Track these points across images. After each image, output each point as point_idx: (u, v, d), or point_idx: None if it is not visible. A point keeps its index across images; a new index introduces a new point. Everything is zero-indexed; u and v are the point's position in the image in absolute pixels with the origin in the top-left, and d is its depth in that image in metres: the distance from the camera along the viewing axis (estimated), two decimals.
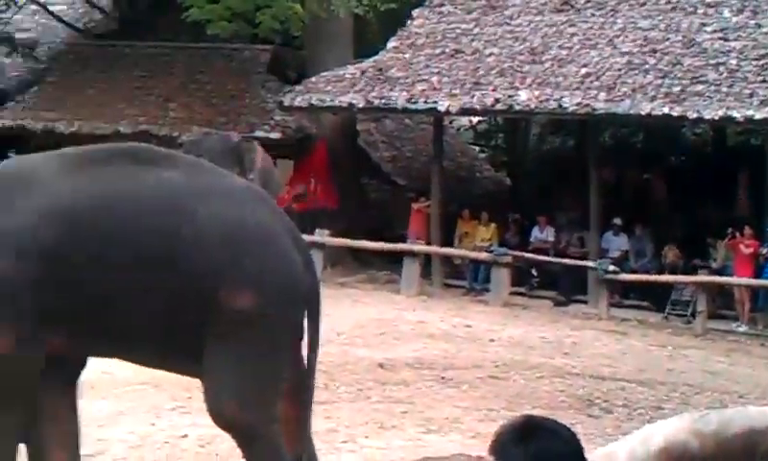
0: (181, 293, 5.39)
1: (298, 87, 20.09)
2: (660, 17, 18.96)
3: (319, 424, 6.09)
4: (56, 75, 23.79)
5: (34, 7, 26.18)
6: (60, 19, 26.04)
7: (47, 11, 26.02)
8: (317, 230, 18.87)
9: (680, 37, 18.36)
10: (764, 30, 18.05)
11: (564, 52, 18.71)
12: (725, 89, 16.85)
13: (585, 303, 17.75)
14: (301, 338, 5.81)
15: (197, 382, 5.72)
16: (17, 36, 25.15)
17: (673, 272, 17.68)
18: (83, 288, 5.40)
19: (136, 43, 23.44)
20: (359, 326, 13.96)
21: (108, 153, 5.75)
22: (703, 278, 16.99)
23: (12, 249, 5.38)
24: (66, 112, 22.21)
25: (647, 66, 17.79)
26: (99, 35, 25.41)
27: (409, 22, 20.72)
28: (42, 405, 5.74)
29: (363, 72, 19.62)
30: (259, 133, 20.27)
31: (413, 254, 18.39)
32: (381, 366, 11.43)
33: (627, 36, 18.71)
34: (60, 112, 22.26)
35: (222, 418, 5.57)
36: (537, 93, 17.69)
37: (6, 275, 5.38)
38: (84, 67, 23.48)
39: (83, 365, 6.00)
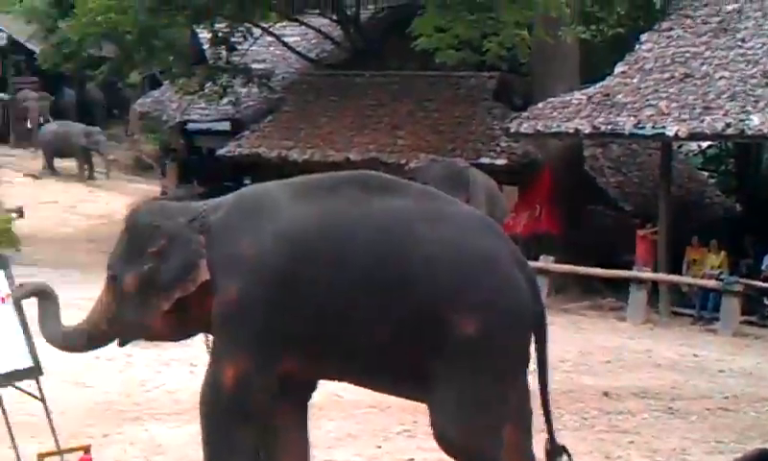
0: (410, 318, 5.51)
1: (524, 114, 20.13)
2: None
3: (541, 451, 6.12)
4: (289, 104, 24.58)
5: (269, 39, 27.15)
6: (293, 50, 26.92)
7: (282, 42, 26.94)
8: (542, 257, 18.83)
9: None
10: None
11: None
12: None
13: None
14: (528, 365, 5.85)
15: (423, 407, 5.84)
16: (254, 66, 26.13)
17: None
18: (314, 313, 5.60)
19: (366, 73, 23.98)
20: (584, 353, 13.86)
21: (338, 181, 5.95)
22: None
23: (247, 273, 5.64)
24: (299, 141, 22.93)
25: None
26: (330, 64, 26.13)
27: (637, 47, 20.45)
28: (274, 426, 5.98)
29: (589, 98, 19.48)
30: (485, 160, 20.43)
31: (640, 281, 18.10)
32: (606, 395, 11.33)
33: None
34: (294, 141, 23.00)
35: (449, 443, 5.64)
36: None
37: (242, 298, 5.65)
38: (316, 97, 24.19)
39: (313, 387, 6.22)
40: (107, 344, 6.52)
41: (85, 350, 6.74)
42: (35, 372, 7.18)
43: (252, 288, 5.64)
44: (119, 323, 6.22)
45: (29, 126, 35.75)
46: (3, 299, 7.08)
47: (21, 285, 6.97)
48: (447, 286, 5.51)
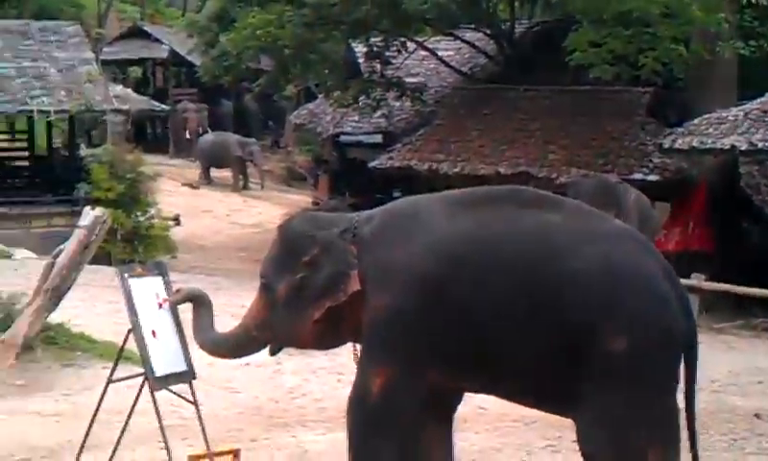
0: (559, 333, 5.51)
1: (678, 130, 19.79)
2: None
3: None
4: (441, 118, 24.69)
5: (423, 53, 27.32)
6: (447, 64, 27.04)
7: (435, 56, 27.09)
8: (693, 274, 18.47)
9: None
10: None
11: None
12: None
13: None
14: (677, 383, 5.78)
15: (568, 422, 5.82)
16: (407, 80, 26.33)
17: None
18: (463, 325, 5.64)
19: (518, 87, 23.93)
20: (734, 373, 13.55)
21: (491, 195, 5.98)
22: None
23: (398, 284, 5.72)
24: (450, 154, 23.00)
25: None
26: (483, 79, 26.16)
27: None
28: (419, 437, 6.04)
29: (746, 114, 19.06)
30: (638, 176, 20.16)
31: None
32: (758, 416, 11.05)
33: None
34: (445, 154, 23.08)
35: None
36: None
37: (391, 309, 5.72)
38: (468, 110, 24.24)
39: (459, 400, 6.25)
40: (257, 351, 6.65)
41: (236, 356, 6.91)
42: (188, 376, 7.38)
43: (401, 299, 5.71)
44: (270, 330, 6.33)
45: (188, 136, 36.75)
46: (161, 304, 7.30)
47: (178, 291, 7.19)
48: (597, 302, 5.49)
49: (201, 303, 6.83)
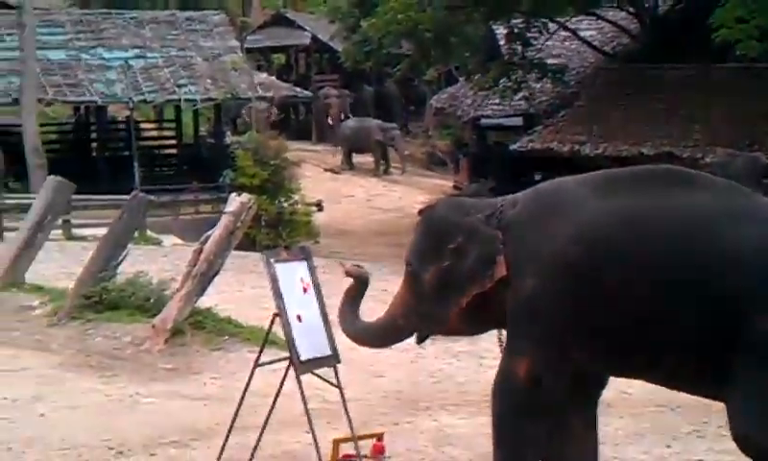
0: (710, 315, 5.41)
1: None
2: None
3: None
4: (583, 99, 24.43)
5: (564, 33, 27.07)
6: (589, 44, 26.74)
7: (577, 36, 26.81)
8: None
9: None
10: None
11: None
12: None
13: None
14: None
15: (715, 406, 5.72)
16: (548, 62, 26.12)
17: None
18: (611, 308, 5.58)
19: (662, 65, 23.52)
20: None
21: (639, 175, 5.89)
22: None
23: (545, 268, 5.68)
24: (591, 135, 22.77)
25: None
26: (625, 58, 25.78)
27: None
28: (563, 422, 6.01)
29: None
30: None
31: None
32: None
33: None
34: (586, 135, 22.85)
35: (749, 444, 5.50)
36: None
37: (538, 293, 5.70)
38: (610, 91, 23.93)
39: (603, 384, 6.20)
40: (403, 339, 6.65)
41: (381, 346, 6.94)
42: (333, 360, 7.48)
43: (548, 283, 5.68)
44: (417, 317, 6.32)
45: (330, 122, 37.09)
46: (305, 288, 7.40)
47: (357, 266, 7.20)
48: (749, 282, 5.38)
49: (358, 290, 6.86)
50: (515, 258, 5.82)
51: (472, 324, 6.20)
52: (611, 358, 5.79)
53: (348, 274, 6.92)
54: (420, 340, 6.58)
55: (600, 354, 5.76)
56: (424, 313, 6.24)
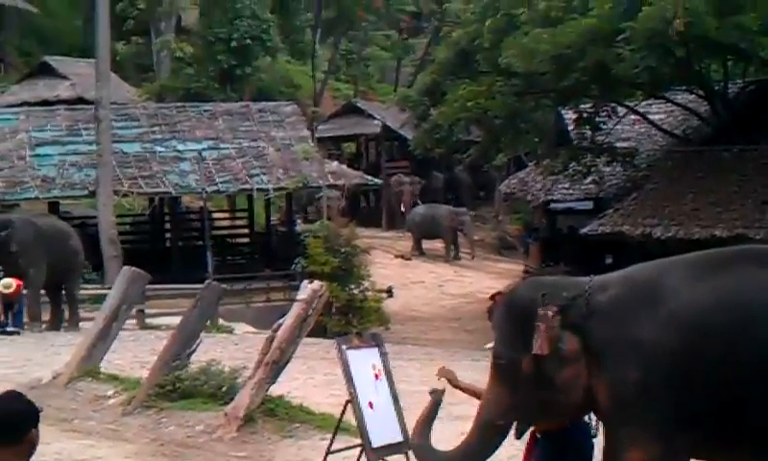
0: None
1: None
2: None
3: None
4: (654, 182, 24.31)
5: (634, 117, 27.07)
6: (658, 127, 26.69)
7: (646, 120, 26.79)
8: None
9: None
10: None
11: None
12: None
13: None
14: None
15: None
16: (618, 145, 26.10)
17: None
18: (716, 393, 5.45)
19: (733, 147, 23.38)
20: None
21: (729, 256, 5.83)
22: None
23: (646, 356, 5.54)
24: (663, 218, 22.60)
25: None
26: (696, 141, 25.67)
27: None
28: None
29: None
30: None
31: None
32: None
33: None
34: (657, 218, 22.69)
35: None
36: None
37: (643, 383, 5.55)
38: (681, 173, 23.81)
39: None
40: (500, 442, 6.21)
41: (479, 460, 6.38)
42: (404, 446, 7.47)
43: (653, 372, 5.52)
44: (518, 411, 6.02)
45: (402, 210, 37.28)
46: (377, 375, 7.43)
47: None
48: None
49: (432, 413, 6.61)
50: (609, 343, 5.66)
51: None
52: (712, 443, 5.64)
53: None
54: (521, 434, 6.25)
55: (705, 440, 5.62)
56: (527, 404, 5.94)
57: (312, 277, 16.90)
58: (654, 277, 5.80)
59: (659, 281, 5.70)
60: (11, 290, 18.77)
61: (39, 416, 4.12)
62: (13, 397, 4.17)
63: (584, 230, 24.13)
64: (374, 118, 40.97)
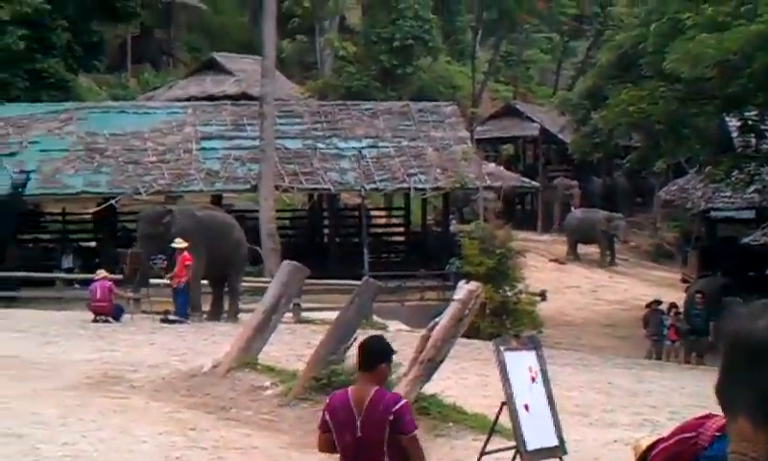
0: None
1: None
2: None
3: None
4: None
5: None
6: None
7: None
8: None
9: None
10: None
11: None
12: None
13: None
14: None
15: None
16: None
17: None
18: None
19: None
20: None
21: None
22: None
23: None
24: None
25: None
26: None
27: None
28: None
29: None
30: None
31: None
32: None
33: None
34: None
35: None
36: None
37: None
38: None
39: None
40: None
41: None
42: (559, 451, 7.48)
43: None
44: None
45: (573, 210, 36.92)
46: (534, 377, 7.45)
47: None
48: None
49: None
50: None
51: None
52: None
53: None
54: None
55: None
56: None
57: (466, 277, 16.93)
58: None
59: None
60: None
61: (392, 356, 5.74)
62: (374, 338, 5.95)
63: (745, 240, 23.58)
64: (533, 121, 40.81)
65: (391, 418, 5.55)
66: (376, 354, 5.69)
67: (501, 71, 49.78)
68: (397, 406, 5.58)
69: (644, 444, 7.03)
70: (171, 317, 19.32)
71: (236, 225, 21.68)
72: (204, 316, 20.39)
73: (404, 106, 30.70)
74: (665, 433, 6.30)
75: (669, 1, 24.44)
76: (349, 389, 5.77)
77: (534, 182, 32.35)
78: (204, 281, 20.70)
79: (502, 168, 31.53)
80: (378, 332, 5.02)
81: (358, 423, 5.57)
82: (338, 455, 5.72)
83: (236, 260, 20.84)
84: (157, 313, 19.88)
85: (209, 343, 16.08)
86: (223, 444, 10.48)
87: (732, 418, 4.78)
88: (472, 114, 40.42)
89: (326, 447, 5.76)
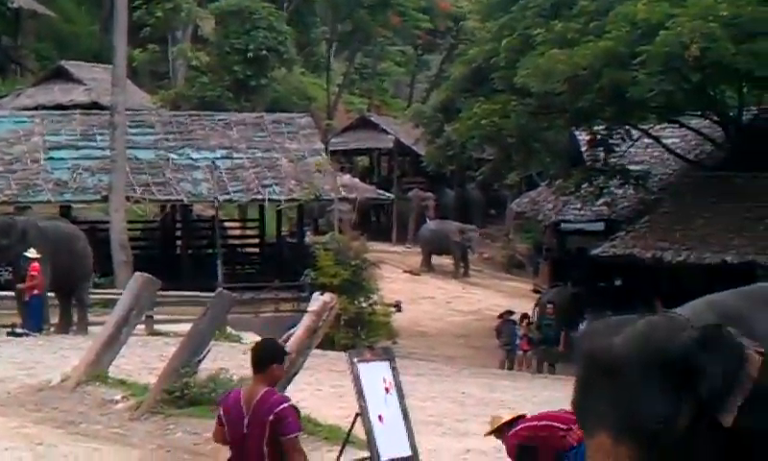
0: None
1: None
2: None
3: None
4: (666, 205, 24.32)
5: (647, 140, 27.07)
6: (672, 151, 26.69)
7: (660, 143, 26.79)
8: None
9: None
10: None
11: None
12: None
13: None
14: None
15: None
16: (630, 168, 26.10)
17: None
18: None
19: (747, 173, 23.37)
20: None
21: None
22: None
23: None
24: (674, 242, 22.57)
25: None
26: (709, 166, 25.68)
27: None
28: None
29: None
30: None
31: None
32: None
33: None
34: (669, 242, 22.66)
35: None
36: None
37: None
38: (693, 198, 23.82)
39: None
40: None
41: None
42: (413, 460, 7.49)
43: None
44: None
45: (427, 221, 37.13)
46: (387, 388, 7.44)
47: None
48: None
49: None
50: None
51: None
52: None
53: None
54: None
55: None
56: None
57: (321, 288, 16.92)
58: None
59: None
60: None
61: (284, 358, 6.32)
62: (266, 340, 6.64)
63: (595, 252, 24.13)
64: (388, 133, 41.04)
65: (271, 418, 5.96)
66: (268, 356, 6.18)
67: (356, 83, 49.95)
68: (280, 408, 5.99)
69: (505, 417, 7.19)
70: (18, 330, 18.79)
71: (81, 235, 21.21)
72: (52, 329, 19.91)
73: (258, 117, 30.53)
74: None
75: (520, 17, 24.89)
76: (242, 388, 6.34)
77: (389, 194, 32.50)
78: (51, 294, 20.21)
79: (357, 180, 31.60)
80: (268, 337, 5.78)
81: (246, 420, 6.03)
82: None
83: (81, 272, 20.39)
84: (4, 326, 19.31)
85: (58, 356, 15.68)
86: (73, 459, 10.25)
87: (590, 433, 4.85)
88: (327, 126, 40.45)
89: (220, 438, 6.29)
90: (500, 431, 7.17)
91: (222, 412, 6.23)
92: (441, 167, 29.63)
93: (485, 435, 7.53)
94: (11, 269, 19.66)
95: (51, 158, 27.02)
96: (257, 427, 5.99)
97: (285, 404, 6.05)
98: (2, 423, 11.53)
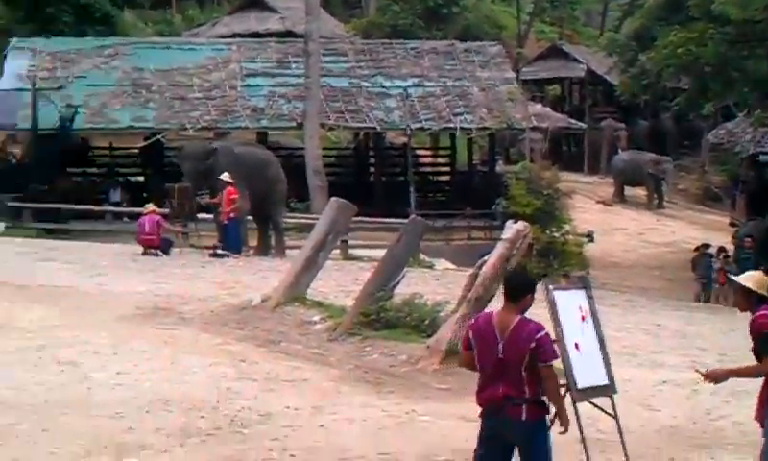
0: None
1: None
2: None
3: None
4: None
5: None
6: None
7: None
8: None
9: None
10: None
11: None
12: None
13: None
14: None
15: None
16: None
17: None
18: None
19: None
20: None
21: None
22: None
23: None
24: None
25: None
26: None
27: None
28: None
29: None
30: None
31: None
32: None
33: None
34: None
35: None
36: None
37: None
38: None
39: None
40: None
41: None
42: (609, 389, 7.47)
43: None
44: None
45: (619, 152, 36.66)
46: (583, 317, 7.43)
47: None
48: None
49: None
50: None
51: None
52: None
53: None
54: None
55: None
56: None
57: (513, 218, 16.91)
58: None
59: None
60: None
61: (535, 288, 6.27)
62: (519, 273, 7.07)
63: None
64: (579, 62, 40.46)
65: (532, 345, 6.08)
66: (523, 287, 6.28)
67: (546, 12, 49.30)
68: (540, 335, 6.11)
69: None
70: (219, 251, 19.45)
71: (275, 161, 21.73)
72: (251, 251, 20.53)
73: (449, 45, 30.51)
74: None
75: None
76: (494, 313, 6.34)
77: (580, 124, 32.15)
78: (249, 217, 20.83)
79: (548, 109, 31.36)
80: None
81: (500, 345, 6.14)
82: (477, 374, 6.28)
83: (276, 196, 20.91)
84: (206, 248, 20.03)
85: (258, 278, 16.20)
86: (274, 375, 10.59)
87: None
88: (518, 54, 40.12)
89: (467, 363, 6.41)
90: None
91: (472, 336, 6.30)
92: (634, 97, 29.05)
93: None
94: (209, 192, 20.34)
95: (248, 86, 27.69)
96: (516, 353, 6.10)
97: (543, 332, 6.16)
98: (206, 339, 11.99)
